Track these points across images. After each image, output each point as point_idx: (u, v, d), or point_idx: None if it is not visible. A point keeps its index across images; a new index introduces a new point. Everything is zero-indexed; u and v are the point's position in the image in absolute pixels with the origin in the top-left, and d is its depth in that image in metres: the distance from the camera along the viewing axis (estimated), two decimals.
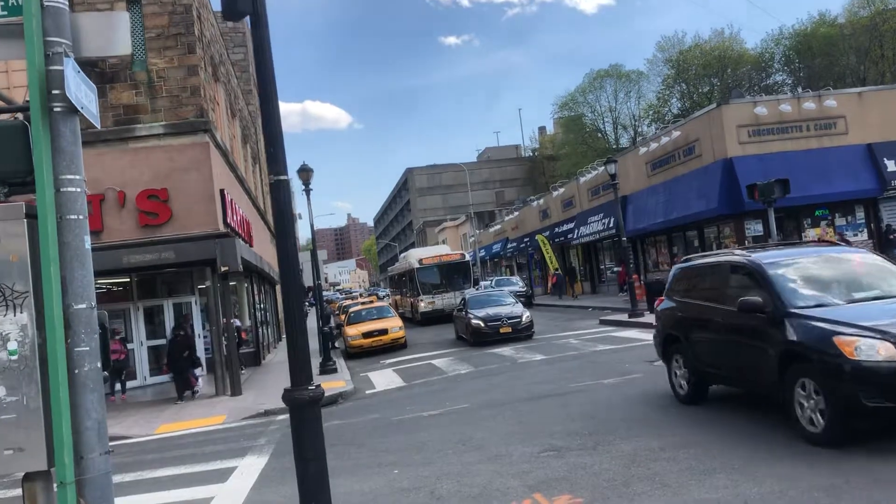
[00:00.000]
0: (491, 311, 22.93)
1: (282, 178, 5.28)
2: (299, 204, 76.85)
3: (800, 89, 49.93)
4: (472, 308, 23.62)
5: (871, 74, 57.19)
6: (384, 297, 60.83)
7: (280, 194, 5.29)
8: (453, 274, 35.69)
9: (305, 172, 22.42)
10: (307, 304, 77.32)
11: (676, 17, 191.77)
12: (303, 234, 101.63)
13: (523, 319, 22.44)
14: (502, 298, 24.83)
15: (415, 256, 37.84)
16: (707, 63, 66.86)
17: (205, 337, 21.10)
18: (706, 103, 56.56)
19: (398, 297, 44.81)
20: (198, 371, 18.52)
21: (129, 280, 20.51)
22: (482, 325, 22.25)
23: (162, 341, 20.39)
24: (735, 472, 6.85)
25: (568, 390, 12.63)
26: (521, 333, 22.23)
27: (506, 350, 20.13)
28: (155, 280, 21.18)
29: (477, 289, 35.70)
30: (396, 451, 9.62)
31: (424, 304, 34.66)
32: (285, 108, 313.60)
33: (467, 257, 37.68)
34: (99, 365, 5.31)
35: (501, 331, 22.02)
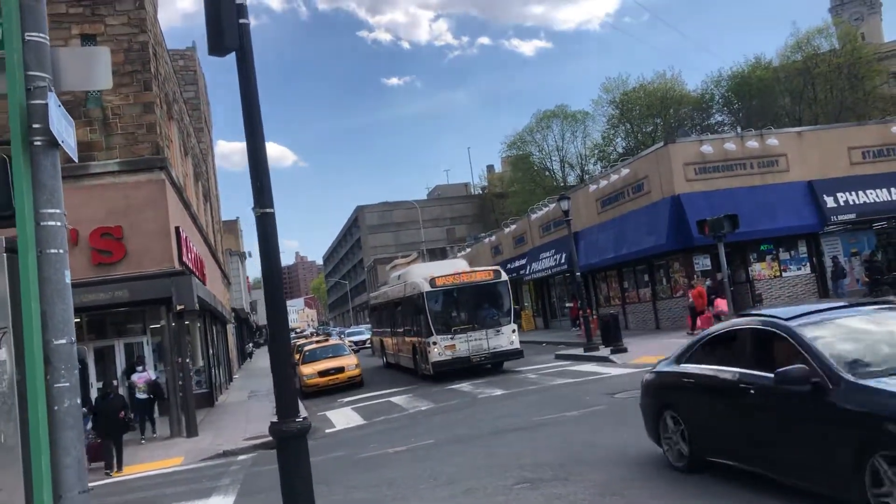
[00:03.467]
0: None
1: (268, 210, 5.32)
2: (246, 243, 76.08)
3: (739, 129, 51.73)
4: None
5: (805, 116, 59.60)
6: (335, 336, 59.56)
7: (267, 227, 5.32)
8: (484, 302, 23.60)
9: None
10: (252, 343, 76.15)
11: (613, 60, 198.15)
12: (250, 272, 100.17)
13: None
14: None
15: (420, 275, 25.26)
16: (650, 103, 68.90)
17: (157, 378, 20.60)
18: (650, 143, 58.09)
19: (388, 339, 30.81)
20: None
21: (79, 320, 19.98)
22: None
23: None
24: (713, 497, 7.00)
25: (532, 424, 12.70)
26: None
27: (464, 385, 20.15)
28: (105, 320, 20.68)
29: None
30: (367, 488, 9.54)
31: (439, 348, 22.35)
32: (228, 147, 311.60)
33: (503, 275, 24.31)
34: (78, 401, 5.22)
35: None
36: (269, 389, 26.76)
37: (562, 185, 70.72)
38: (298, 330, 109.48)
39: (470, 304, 23.39)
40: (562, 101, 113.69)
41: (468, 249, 59.63)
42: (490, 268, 25.40)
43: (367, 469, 10.92)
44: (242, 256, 65.29)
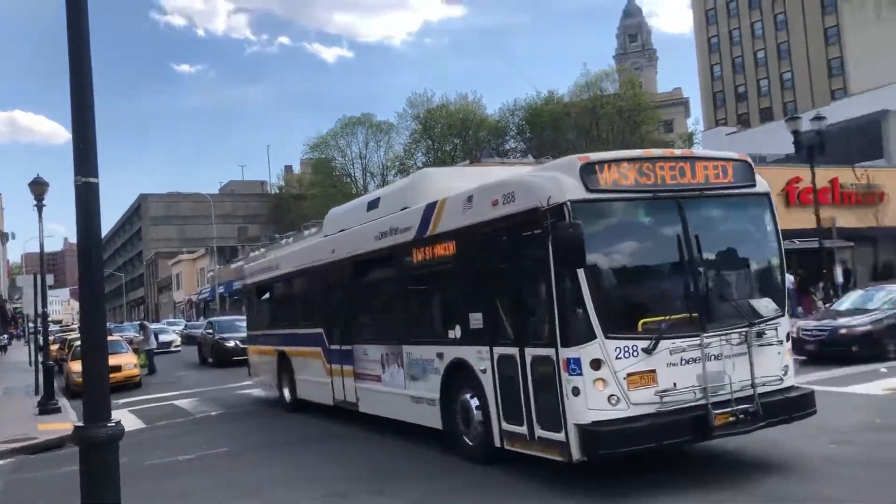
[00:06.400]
0: None
1: (92, 180, 4.55)
2: (8, 223, 68.36)
3: (531, 157, 54.70)
4: None
5: (590, 152, 64.48)
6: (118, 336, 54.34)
7: (88, 200, 4.55)
8: (722, 248, 8.05)
9: (39, 186, 20.05)
10: (7, 336, 68.07)
11: (416, 77, 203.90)
12: (11, 255, 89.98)
13: None
14: None
15: (561, 166, 7.80)
16: (452, 123, 71.20)
17: None
18: (449, 161, 59.99)
19: (306, 351, 14.10)
20: None
21: None
22: None
23: None
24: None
25: (338, 434, 12.25)
26: None
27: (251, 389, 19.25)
28: None
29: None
30: (162, 499, 8.69)
31: (613, 382, 6.86)
32: None
33: (761, 182, 8.21)
34: None
35: None
36: (27, 385, 23.97)
37: (362, 192, 70.82)
38: (63, 323, 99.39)
39: (688, 252, 7.63)
40: (365, 110, 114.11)
41: (263, 250, 57.71)
42: (727, 155, 8.52)
43: (158, 478, 9.95)
44: (4, 237, 58.53)
